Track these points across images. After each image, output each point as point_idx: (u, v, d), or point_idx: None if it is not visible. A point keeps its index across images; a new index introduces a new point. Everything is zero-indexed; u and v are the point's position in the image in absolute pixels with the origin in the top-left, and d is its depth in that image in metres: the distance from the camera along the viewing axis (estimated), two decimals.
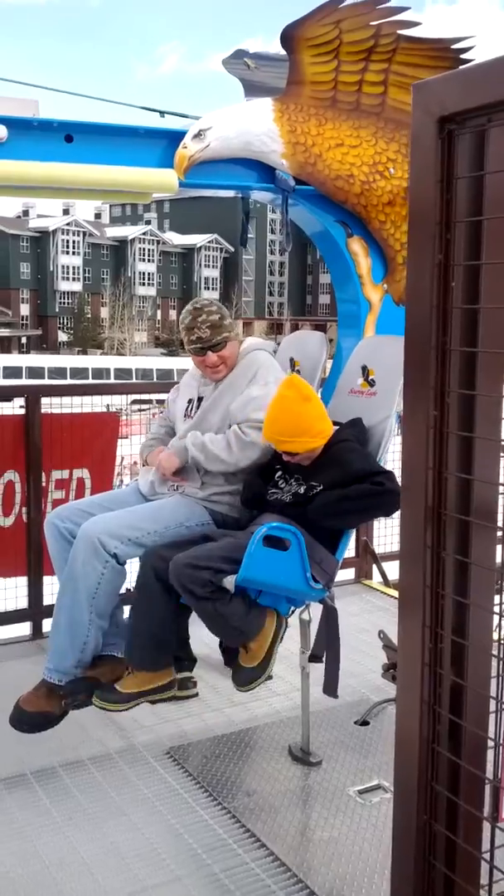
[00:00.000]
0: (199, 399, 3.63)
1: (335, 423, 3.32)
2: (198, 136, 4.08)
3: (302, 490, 3.20)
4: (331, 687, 3.25)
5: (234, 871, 2.68)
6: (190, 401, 3.67)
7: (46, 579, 4.46)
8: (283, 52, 4.31)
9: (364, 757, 3.35)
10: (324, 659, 3.27)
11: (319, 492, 3.15)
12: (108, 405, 5.23)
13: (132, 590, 3.31)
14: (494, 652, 1.60)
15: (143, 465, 3.74)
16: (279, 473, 3.32)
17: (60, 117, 4.02)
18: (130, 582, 3.39)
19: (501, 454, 1.62)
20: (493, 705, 1.57)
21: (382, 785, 3.14)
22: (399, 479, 1.66)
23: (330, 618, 3.25)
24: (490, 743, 1.58)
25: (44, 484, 4.55)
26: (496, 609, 1.59)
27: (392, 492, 3.02)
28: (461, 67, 1.48)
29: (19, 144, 3.88)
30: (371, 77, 4.35)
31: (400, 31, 4.25)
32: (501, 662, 1.54)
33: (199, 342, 3.47)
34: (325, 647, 3.25)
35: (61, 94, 4.96)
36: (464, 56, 4.27)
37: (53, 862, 2.71)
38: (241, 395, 3.48)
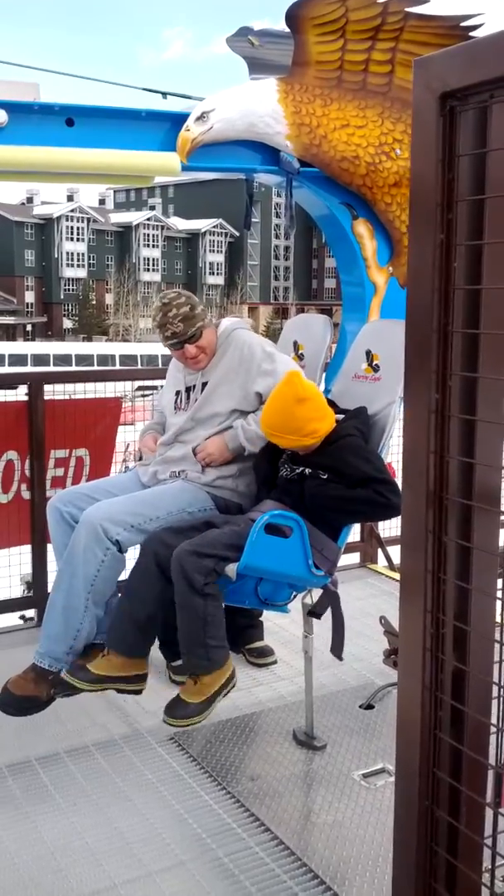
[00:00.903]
0: (188, 389, 3.61)
1: (341, 411, 3.30)
2: (201, 118, 4.03)
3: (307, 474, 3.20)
4: (337, 648, 3.24)
5: (238, 855, 2.68)
6: (178, 392, 3.65)
7: (51, 567, 4.46)
8: (287, 29, 4.25)
9: (368, 741, 3.35)
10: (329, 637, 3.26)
11: (324, 480, 3.14)
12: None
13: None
14: (497, 637, 1.58)
15: (138, 455, 3.72)
16: (284, 457, 3.32)
17: (62, 101, 3.98)
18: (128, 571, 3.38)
19: None
20: (495, 691, 1.55)
21: (387, 768, 3.14)
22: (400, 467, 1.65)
23: (332, 602, 3.24)
24: (492, 728, 1.57)
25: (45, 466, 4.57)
26: (498, 594, 1.57)
27: (391, 507, 3.04)
28: (463, 43, 1.44)
29: (20, 129, 3.84)
30: (378, 56, 4.28)
31: (408, 9, 4.18)
32: None
33: (175, 337, 3.44)
34: (331, 612, 3.24)
35: (63, 77, 4.91)
36: (473, 34, 4.19)
37: (58, 847, 2.72)
38: (268, 378, 3.44)
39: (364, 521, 3.26)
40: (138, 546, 3.27)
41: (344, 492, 3.09)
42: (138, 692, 3.22)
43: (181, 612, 3.02)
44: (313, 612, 3.25)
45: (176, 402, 3.65)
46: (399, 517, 1.70)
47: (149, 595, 3.12)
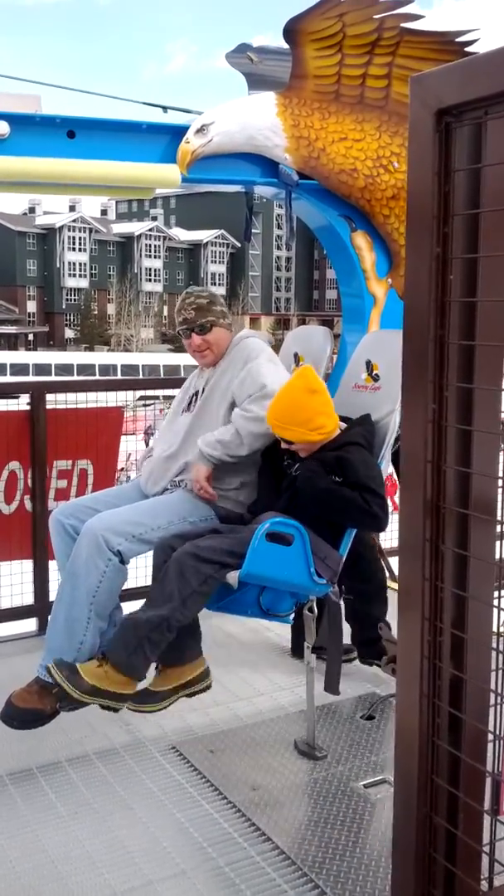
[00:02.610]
0: (196, 393, 3.65)
1: (344, 419, 3.31)
2: (200, 130, 4.07)
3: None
4: (332, 685, 3.24)
5: (239, 864, 2.69)
6: (190, 395, 3.70)
7: (52, 576, 4.47)
8: (286, 45, 4.29)
9: (370, 751, 3.36)
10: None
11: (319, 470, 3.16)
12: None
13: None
14: (494, 645, 1.60)
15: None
16: (287, 461, 3.33)
17: (63, 114, 4.01)
18: (131, 581, 3.38)
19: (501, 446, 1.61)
20: (492, 698, 1.57)
21: (388, 779, 3.14)
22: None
23: (332, 613, 3.24)
24: (490, 736, 1.58)
25: (46, 474, 4.57)
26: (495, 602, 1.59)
27: (373, 516, 3.06)
28: (458, 60, 1.47)
29: (21, 141, 3.87)
30: (375, 70, 4.32)
31: (403, 24, 4.23)
32: (501, 656, 1.54)
33: (185, 323, 3.54)
34: (328, 643, 3.24)
35: (65, 91, 4.96)
36: (468, 49, 4.23)
37: (59, 856, 2.73)
38: (241, 374, 3.48)
39: (345, 523, 3.23)
40: (138, 556, 3.28)
41: (333, 486, 3.10)
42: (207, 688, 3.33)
43: (158, 597, 3.03)
44: (318, 649, 3.25)
45: (189, 403, 3.68)
46: (396, 528, 1.71)
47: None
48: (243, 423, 3.37)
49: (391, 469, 3.71)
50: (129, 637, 3.02)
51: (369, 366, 3.51)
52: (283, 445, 3.26)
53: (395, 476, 4.42)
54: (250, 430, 3.36)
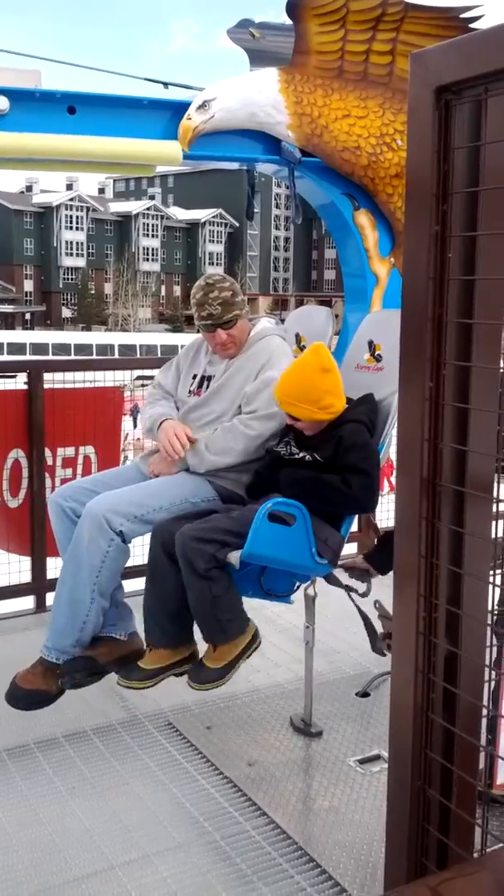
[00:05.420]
0: (209, 378, 3.54)
1: (346, 399, 3.31)
2: (202, 106, 4.02)
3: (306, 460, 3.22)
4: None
5: (235, 838, 2.72)
6: (195, 376, 3.58)
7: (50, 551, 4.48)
8: (289, 21, 4.24)
9: (364, 728, 3.39)
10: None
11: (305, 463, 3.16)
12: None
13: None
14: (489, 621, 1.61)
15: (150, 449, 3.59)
16: (288, 437, 3.32)
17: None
18: (133, 560, 3.39)
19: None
20: (486, 674, 1.58)
21: (382, 755, 3.17)
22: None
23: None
24: (483, 710, 1.60)
25: (50, 463, 4.54)
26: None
27: (351, 497, 3.05)
28: (458, 37, 1.46)
29: (21, 116, 3.82)
30: (378, 46, 4.27)
31: (408, 0, 4.18)
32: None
33: (210, 319, 3.39)
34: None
35: (64, 67, 4.90)
36: (473, 25, 4.18)
37: (57, 830, 2.75)
38: (257, 380, 3.40)
39: (328, 508, 3.23)
40: (141, 537, 3.29)
41: (315, 473, 3.10)
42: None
43: (190, 592, 3.05)
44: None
45: (193, 385, 3.57)
46: (393, 506, 1.72)
47: (170, 586, 3.13)
48: (245, 442, 3.34)
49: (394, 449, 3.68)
50: (207, 620, 3.09)
51: (371, 346, 3.49)
52: (289, 422, 3.25)
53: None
54: (247, 447, 3.34)
